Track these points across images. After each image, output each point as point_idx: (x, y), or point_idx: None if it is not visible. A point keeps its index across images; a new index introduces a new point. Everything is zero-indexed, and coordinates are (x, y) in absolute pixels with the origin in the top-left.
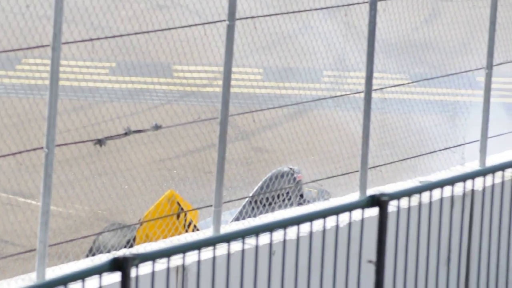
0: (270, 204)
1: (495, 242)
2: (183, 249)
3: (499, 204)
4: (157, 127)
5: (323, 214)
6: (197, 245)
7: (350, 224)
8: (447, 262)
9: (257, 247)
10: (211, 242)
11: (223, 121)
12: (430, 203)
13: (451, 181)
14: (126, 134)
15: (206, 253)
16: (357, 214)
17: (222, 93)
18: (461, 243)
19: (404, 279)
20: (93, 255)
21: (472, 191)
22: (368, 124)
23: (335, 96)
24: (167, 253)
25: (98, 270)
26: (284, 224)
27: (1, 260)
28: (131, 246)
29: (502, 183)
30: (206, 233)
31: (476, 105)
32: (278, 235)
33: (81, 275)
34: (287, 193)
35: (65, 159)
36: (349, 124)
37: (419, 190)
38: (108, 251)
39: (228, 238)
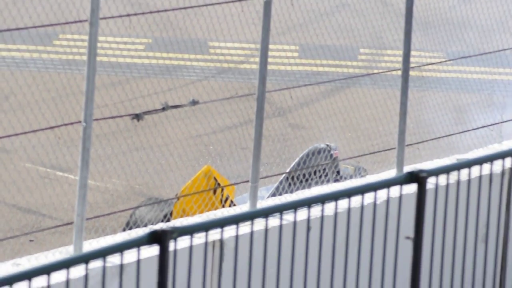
0: (306, 180)
1: None
2: (221, 223)
3: None
4: (194, 103)
5: (361, 190)
6: (235, 220)
7: (388, 200)
8: (485, 239)
9: (294, 222)
10: (249, 216)
11: (260, 97)
12: (469, 180)
13: (490, 159)
14: (163, 109)
15: (244, 228)
16: (395, 190)
17: (259, 70)
18: (499, 221)
19: (441, 256)
20: (130, 229)
21: (511, 169)
22: (406, 101)
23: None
24: (205, 227)
25: (136, 243)
26: (321, 200)
27: (39, 233)
28: (168, 220)
29: None
30: (243, 208)
31: None
32: (315, 211)
33: (119, 248)
34: (324, 169)
35: (103, 133)
36: (386, 102)
37: (457, 167)
38: (145, 226)
39: (266, 213)
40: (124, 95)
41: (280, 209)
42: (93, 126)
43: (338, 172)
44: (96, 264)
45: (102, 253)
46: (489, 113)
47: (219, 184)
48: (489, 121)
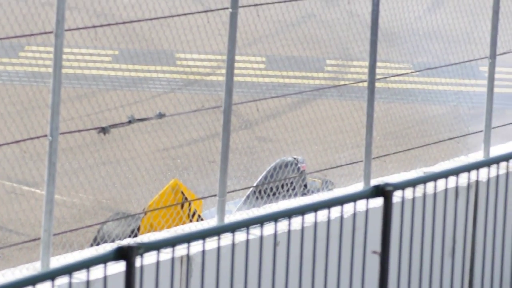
0: (274, 194)
1: (500, 233)
2: (187, 238)
3: (503, 195)
4: (160, 116)
5: (327, 204)
6: (202, 235)
7: (354, 214)
8: (452, 253)
9: (261, 237)
10: (216, 231)
11: (227, 109)
12: (435, 194)
13: (456, 172)
14: (129, 122)
15: (211, 243)
16: (361, 204)
17: (225, 82)
18: (466, 234)
19: (409, 270)
20: (98, 244)
21: (477, 182)
22: (372, 113)
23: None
24: (172, 242)
25: (102, 259)
26: (288, 214)
27: (5, 249)
28: (136, 235)
29: (507, 174)
30: (210, 223)
31: (480, 95)
32: (282, 225)
33: (86, 264)
34: (291, 183)
35: (69, 147)
36: (353, 114)
37: (423, 180)
38: (113, 241)
39: (233, 227)
40: (90, 108)
41: (247, 224)
42: (59, 140)
43: (305, 186)
44: (63, 280)
45: (68, 269)
46: (455, 125)
47: (186, 199)
48: (455, 133)
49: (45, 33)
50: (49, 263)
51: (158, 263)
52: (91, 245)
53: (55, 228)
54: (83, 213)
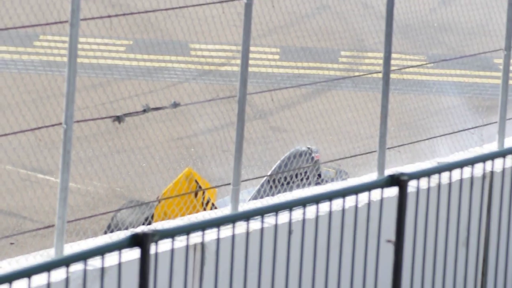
0: (288, 183)
1: None
2: (202, 226)
3: None
4: (175, 105)
5: (342, 193)
6: (217, 223)
7: (369, 204)
8: (466, 243)
9: (276, 226)
10: (230, 219)
11: (241, 99)
12: (450, 184)
13: (471, 162)
14: (144, 111)
15: (225, 231)
16: (376, 194)
17: (240, 72)
18: (480, 225)
19: (423, 259)
20: (111, 232)
21: (492, 172)
22: (387, 104)
23: (353, 76)
24: (187, 229)
25: (117, 246)
26: (303, 202)
27: (19, 236)
28: (149, 223)
29: None
30: (224, 211)
31: (494, 87)
32: (296, 214)
33: (100, 251)
34: (305, 172)
35: (84, 136)
36: (367, 105)
37: (438, 170)
38: (126, 228)
39: (247, 216)
40: (105, 97)
41: (261, 212)
42: (74, 128)
43: (319, 175)
44: (77, 267)
45: (83, 256)
46: (470, 116)
47: (200, 187)
48: (469, 124)
49: (60, 22)
50: (63, 250)
51: (172, 250)
52: (105, 233)
53: (69, 215)
54: (97, 201)
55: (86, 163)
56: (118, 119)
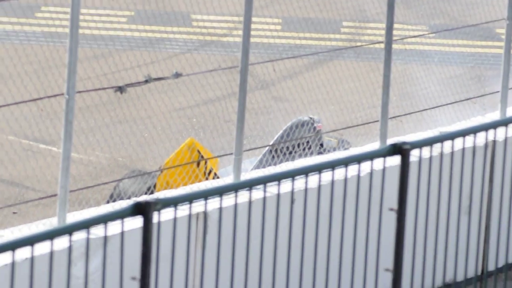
0: (290, 153)
1: None
2: (205, 195)
3: None
4: (177, 75)
5: (344, 162)
6: (219, 191)
7: (371, 173)
8: (469, 211)
9: (278, 195)
10: (233, 188)
11: (243, 69)
12: (452, 153)
13: (473, 131)
14: (146, 81)
15: (227, 200)
16: (378, 163)
17: (242, 42)
18: (483, 193)
19: (425, 227)
20: (114, 201)
21: (494, 141)
22: (389, 74)
23: (355, 46)
24: (189, 198)
25: (120, 215)
26: (305, 172)
27: (22, 205)
28: (152, 193)
29: None
30: (226, 180)
31: (497, 57)
32: (299, 183)
33: (103, 219)
34: (307, 142)
35: (86, 106)
36: (369, 74)
37: (441, 139)
38: (129, 198)
39: (250, 184)
40: (107, 68)
41: (264, 181)
42: (76, 98)
43: (321, 145)
44: (80, 235)
45: (86, 225)
46: (472, 86)
47: (202, 157)
48: (472, 94)
49: None
50: (65, 219)
51: (175, 219)
52: (107, 202)
53: (72, 185)
54: (100, 171)
55: (88, 133)
56: (120, 89)
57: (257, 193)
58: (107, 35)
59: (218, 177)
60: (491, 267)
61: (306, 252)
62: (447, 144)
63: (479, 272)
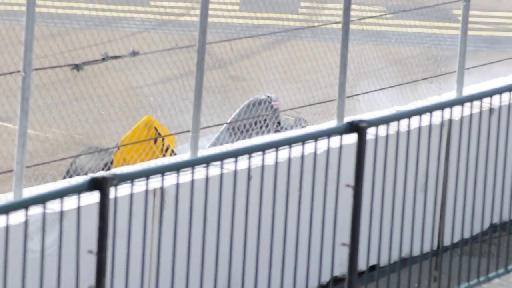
0: (247, 131)
1: (472, 170)
2: (161, 170)
3: (476, 134)
4: (134, 54)
5: (302, 139)
6: (176, 167)
7: (328, 150)
8: (425, 189)
9: (235, 172)
10: (190, 164)
11: (201, 48)
12: (408, 131)
13: (429, 109)
14: (103, 59)
15: (184, 177)
16: (335, 141)
17: (199, 21)
18: (438, 171)
19: (381, 204)
20: (70, 177)
21: (450, 120)
22: (346, 53)
23: (313, 26)
24: (146, 174)
25: (76, 189)
26: (262, 148)
27: None
28: (109, 169)
29: (480, 113)
30: (183, 157)
31: (453, 38)
32: (256, 160)
33: (60, 194)
34: (265, 120)
35: (42, 83)
36: (327, 54)
37: (397, 117)
38: (85, 174)
39: (207, 161)
40: (64, 46)
41: (221, 157)
42: (32, 76)
43: (278, 123)
44: (36, 210)
45: (42, 199)
46: (429, 66)
47: (159, 134)
48: (428, 74)
49: None
50: (21, 194)
51: (131, 195)
52: (64, 178)
53: (28, 161)
54: (56, 148)
55: (45, 111)
56: (77, 67)
57: (214, 170)
58: (64, 13)
59: (175, 154)
60: (447, 242)
61: (263, 228)
62: (404, 122)
63: (435, 247)
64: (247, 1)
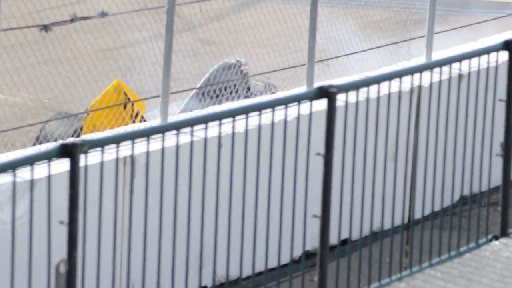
0: (217, 96)
1: (442, 137)
2: (132, 136)
3: (446, 100)
4: (103, 15)
5: (271, 105)
6: (146, 133)
7: (298, 117)
8: (395, 158)
9: (205, 139)
10: (160, 130)
11: (170, 10)
12: (378, 98)
13: (399, 75)
14: (72, 20)
15: (154, 144)
16: (305, 107)
17: None
18: (408, 139)
19: (352, 172)
20: (40, 143)
21: (419, 86)
22: (315, 17)
23: None
24: (116, 140)
25: (46, 156)
26: (232, 114)
27: None
28: (78, 135)
29: (449, 79)
30: (153, 123)
31: (422, 1)
32: (226, 128)
33: (29, 161)
34: (234, 85)
35: (10, 45)
36: (296, 17)
37: (367, 83)
38: (55, 140)
39: (177, 127)
40: (32, 7)
41: (191, 123)
42: (0, 37)
43: (248, 89)
44: (5, 178)
45: (11, 166)
46: (398, 30)
47: (129, 99)
48: (398, 38)
49: None
50: None
51: (102, 163)
52: (34, 145)
53: None
54: (25, 112)
55: (13, 73)
56: (45, 28)
57: (184, 137)
58: None
59: (145, 120)
60: (417, 215)
61: (234, 197)
62: (373, 88)
63: (406, 221)
64: None
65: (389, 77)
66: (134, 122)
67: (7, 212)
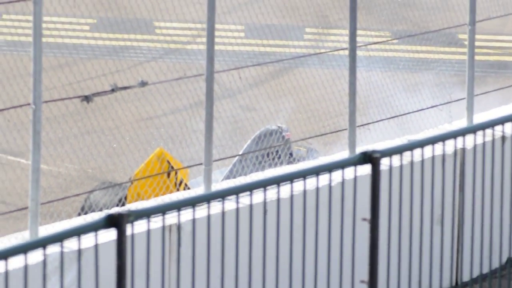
0: (260, 162)
1: (488, 199)
2: (177, 205)
3: (490, 162)
4: (143, 84)
5: (316, 171)
6: (192, 202)
7: (343, 182)
8: (441, 221)
9: (251, 205)
10: (206, 198)
11: (209, 77)
12: (422, 161)
13: (442, 138)
14: (112, 90)
15: (200, 212)
16: (348, 172)
17: (206, 50)
18: (454, 202)
19: (398, 237)
20: (85, 214)
21: (463, 149)
22: (354, 81)
23: (319, 53)
24: (162, 209)
25: (93, 227)
26: (277, 181)
27: None
28: (123, 204)
29: (493, 141)
30: (198, 191)
31: (460, 63)
32: (271, 193)
33: (77, 232)
34: (277, 151)
35: (53, 116)
36: (335, 82)
37: (410, 147)
38: (100, 210)
39: (222, 195)
40: (72, 77)
41: (236, 191)
42: (42, 108)
43: (291, 154)
44: (53, 249)
45: (59, 238)
46: (438, 93)
47: (172, 167)
48: (437, 101)
49: (23, 0)
50: (37, 232)
51: (148, 231)
52: (79, 215)
53: (42, 197)
54: (69, 183)
55: (57, 144)
56: (87, 98)
57: (230, 204)
58: (70, 43)
59: (188, 188)
60: (465, 277)
61: (281, 263)
62: (417, 152)
63: (454, 283)
64: (252, 27)
65: (432, 140)
66: (178, 190)
67: (54, 282)
